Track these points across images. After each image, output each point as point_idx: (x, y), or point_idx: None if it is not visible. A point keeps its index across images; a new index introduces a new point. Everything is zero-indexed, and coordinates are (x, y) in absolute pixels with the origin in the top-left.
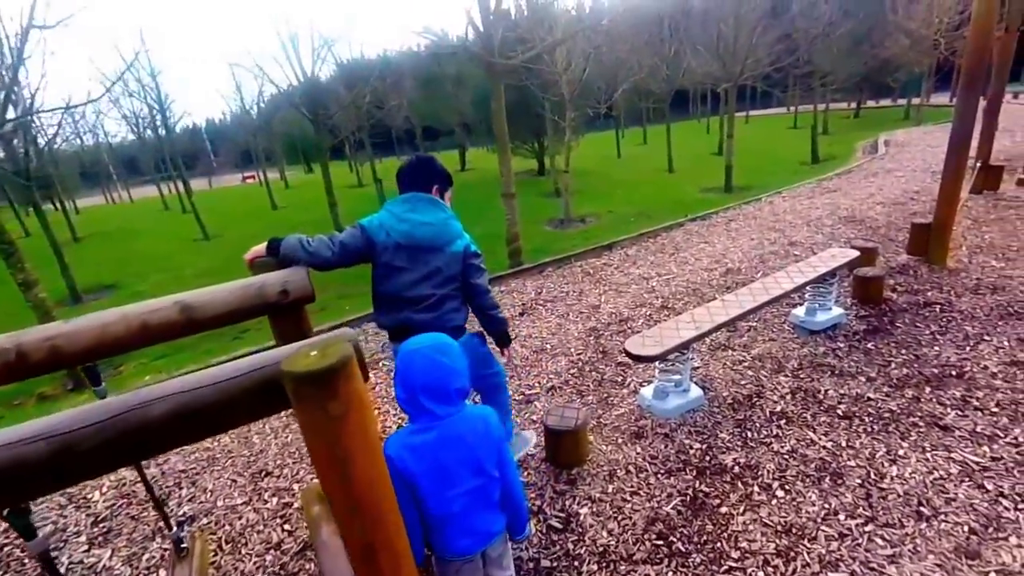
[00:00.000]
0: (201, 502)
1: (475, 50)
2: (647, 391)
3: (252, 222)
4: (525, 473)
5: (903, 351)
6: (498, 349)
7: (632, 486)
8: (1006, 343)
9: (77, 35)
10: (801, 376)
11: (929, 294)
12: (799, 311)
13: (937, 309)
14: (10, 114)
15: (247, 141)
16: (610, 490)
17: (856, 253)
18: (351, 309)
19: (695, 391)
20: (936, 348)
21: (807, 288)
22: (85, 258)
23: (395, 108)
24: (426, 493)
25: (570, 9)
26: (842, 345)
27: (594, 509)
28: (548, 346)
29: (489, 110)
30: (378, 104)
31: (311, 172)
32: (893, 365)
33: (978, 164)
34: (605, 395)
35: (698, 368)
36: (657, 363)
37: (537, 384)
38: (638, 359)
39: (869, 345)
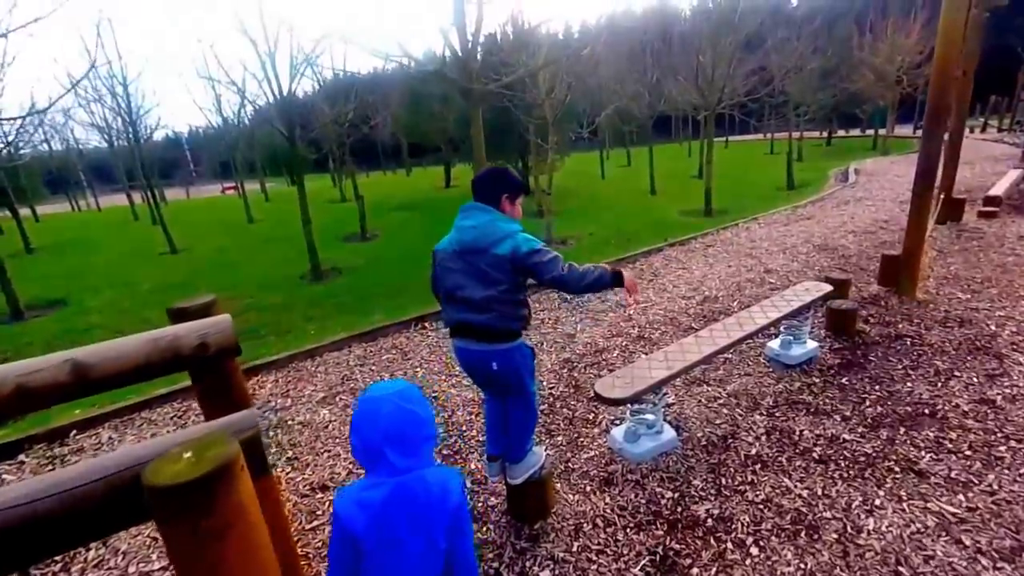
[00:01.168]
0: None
1: (451, 75)
2: (618, 432)
3: (224, 235)
4: (483, 529)
5: (877, 387)
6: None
7: (599, 543)
8: (975, 379)
9: (45, 35)
10: (776, 415)
11: (900, 326)
12: (774, 344)
13: (908, 342)
14: None
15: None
16: (575, 548)
17: (829, 288)
18: (316, 333)
19: (668, 432)
20: (909, 384)
21: (782, 321)
22: (36, 271)
23: (381, 124)
24: (368, 557)
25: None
26: (817, 380)
27: (557, 572)
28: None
29: (486, 129)
30: (363, 119)
31: (295, 184)
32: (867, 403)
33: (941, 196)
34: (575, 435)
35: (672, 405)
36: (628, 405)
37: None
38: (608, 402)
39: (844, 380)
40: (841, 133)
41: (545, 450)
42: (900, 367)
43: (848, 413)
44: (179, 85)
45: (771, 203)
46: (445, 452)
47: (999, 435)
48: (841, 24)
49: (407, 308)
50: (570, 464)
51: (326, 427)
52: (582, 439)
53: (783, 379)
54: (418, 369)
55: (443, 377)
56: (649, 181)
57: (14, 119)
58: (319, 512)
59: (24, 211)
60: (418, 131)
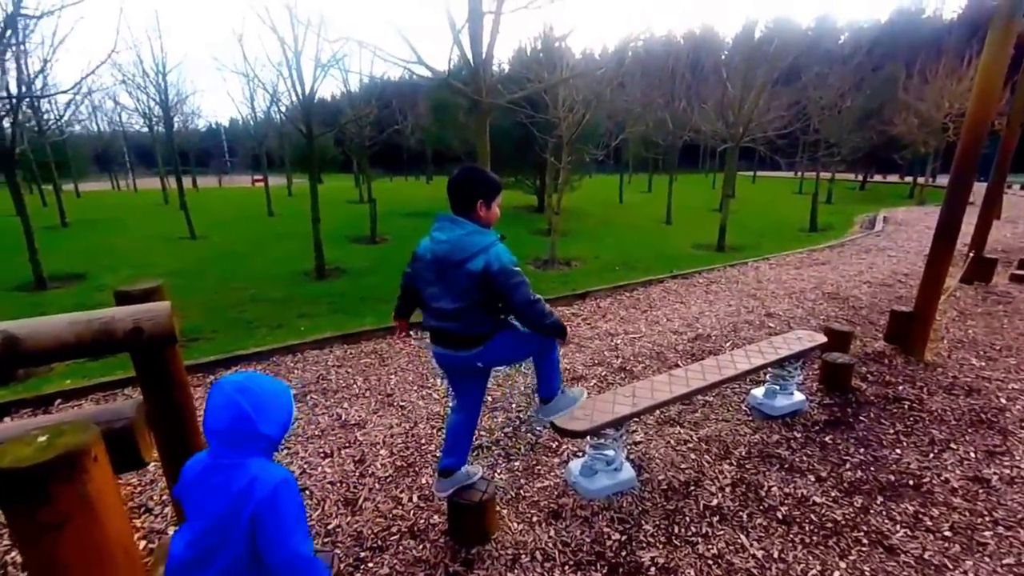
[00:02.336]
0: None
1: (460, 86)
2: (575, 465)
3: (243, 226)
4: (420, 547)
5: (861, 450)
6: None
7: None
8: (972, 454)
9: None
10: (747, 466)
11: (900, 388)
12: (758, 392)
13: (906, 406)
14: None
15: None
16: None
17: (823, 339)
18: (305, 330)
19: (627, 471)
20: (897, 451)
21: (768, 369)
22: (65, 245)
23: (406, 129)
24: (185, 504)
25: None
26: (798, 435)
27: None
28: (489, 398)
29: (499, 141)
30: (388, 123)
31: (321, 183)
32: (848, 465)
33: (971, 254)
34: (534, 462)
35: (639, 444)
36: (588, 438)
37: None
38: (565, 434)
39: (827, 438)
40: (878, 178)
41: (584, 393)
42: (892, 431)
43: (824, 474)
44: (220, 78)
45: (790, 244)
46: (398, 463)
47: (987, 518)
48: (889, 64)
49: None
50: (522, 491)
51: (294, 423)
52: (540, 467)
53: (761, 429)
54: (392, 376)
55: (415, 388)
56: (666, 210)
57: (27, 97)
58: None
59: (68, 186)
60: (442, 139)
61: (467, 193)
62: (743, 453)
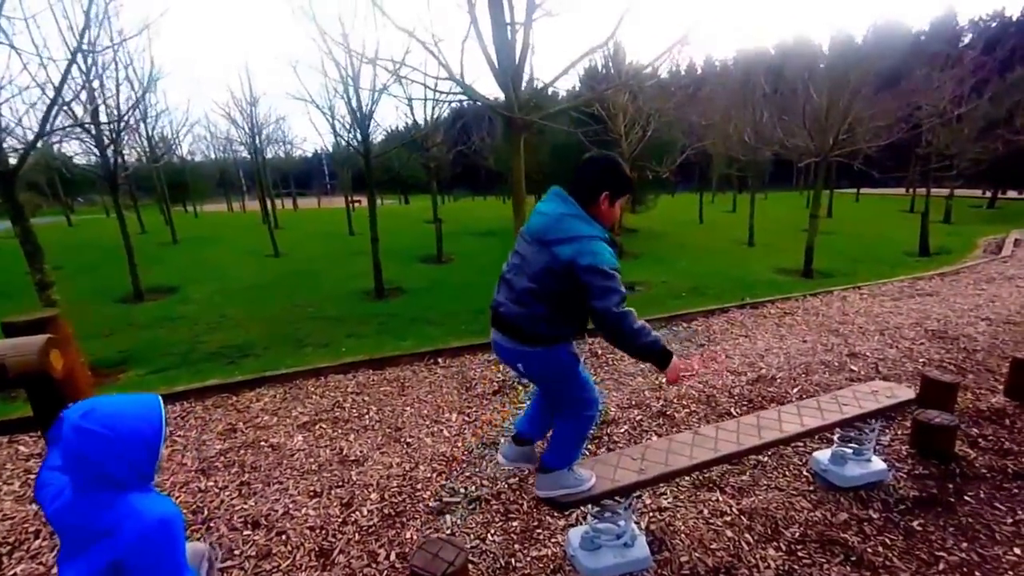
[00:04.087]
0: None
1: (492, 103)
2: (575, 535)
3: (324, 244)
4: None
5: (963, 543)
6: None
7: None
8: None
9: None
10: (799, 554)
11: None
12: (823, 454)
13: None
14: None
15: (349, 168)
16: None
17: (908, 395)
18: (347, 350)
19: (640, 548)
20: (1017, 550)
21: (835, 428)
22: (171, 259)
23: (480, 149)
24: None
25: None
26: (875, 516)
27: None
28: (503, 440)
29: (561, 159)
30: (456, 144)
31: (407, 203)
32: (943, 565)
33: None
34: (535, 523)
35: (664, 511)
36: (590, 507)
37: (463, 490)
38: (549, 504)
39: (915, 524)
40: (1012, 194)
41: (593, 479)
42: (1009, 521)
43: (908, 574)
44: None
45: (892, 270)
46: (387, 511)
47: None
48: (1019, 64)
49: (439, 339)
50: (513, 560)
51: (293, 455)
52: (540, 531)
53: (824, 505)
54: (408, 408)
55: (427, 423)
56: (748, 231)
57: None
58: (237, 552)
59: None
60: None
61: (594, 179)
62: (796, 535)
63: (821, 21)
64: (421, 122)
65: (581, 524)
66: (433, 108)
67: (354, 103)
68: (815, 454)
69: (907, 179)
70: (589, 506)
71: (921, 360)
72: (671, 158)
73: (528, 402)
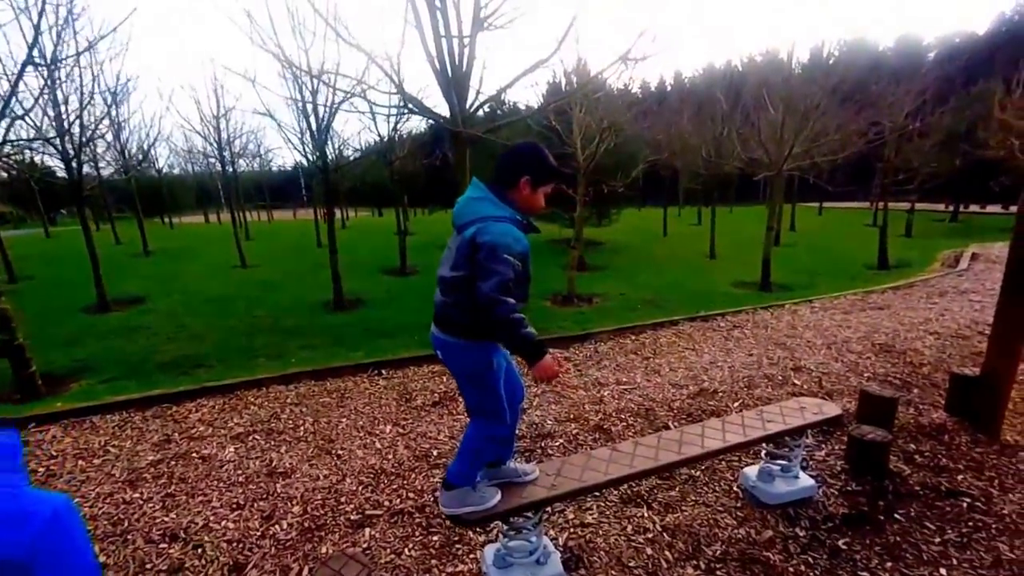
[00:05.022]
0: None
1: (437, 116)
2: (490, 552)
3: (291, 257)
4: None
5: (888, 563)
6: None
7: None
8: None
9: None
10: (718, 572)
11: (960, 478)
12: (751, 471)
13: (964, 504)
14: None
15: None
16: None
17: (834, 411)
18: (297, 361)
19: (553, 566)
20: (942, 570)
21: (762, 443)
22: (139, 271)
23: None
24: None
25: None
26: (801, 534)
27: None
28: (436, 452)
29: None
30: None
31: (381, 215)
32: None
33: None
34: (456, 539)
35: (588, 527)
36: (499, 523)
37: (387, 503)
38: (455, 521)
39: (841, 542)
40: (975, 208)
41: (498, 497)
42: (938, 540)
43: None
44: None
45: (851, 283)
46: (306, 524)
47: None
48: (982, 80)
49: (390, 350)
50: None
51: (222, 467)
52: (460, 546)
53: (749, 522)
54: (343, 419)
55: (361, 435)
56: (710, 244)
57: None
58: (148, 566)
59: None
60: (478, 173)
61: (513, 164)
62: (717, 553)
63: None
64: (385, 136)
65: (490, 545)
66: (396, 122)
67: (312, 119)
68: (744, 470)
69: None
70: (499, 523)
71: (866, 374)
72: (627, 172)
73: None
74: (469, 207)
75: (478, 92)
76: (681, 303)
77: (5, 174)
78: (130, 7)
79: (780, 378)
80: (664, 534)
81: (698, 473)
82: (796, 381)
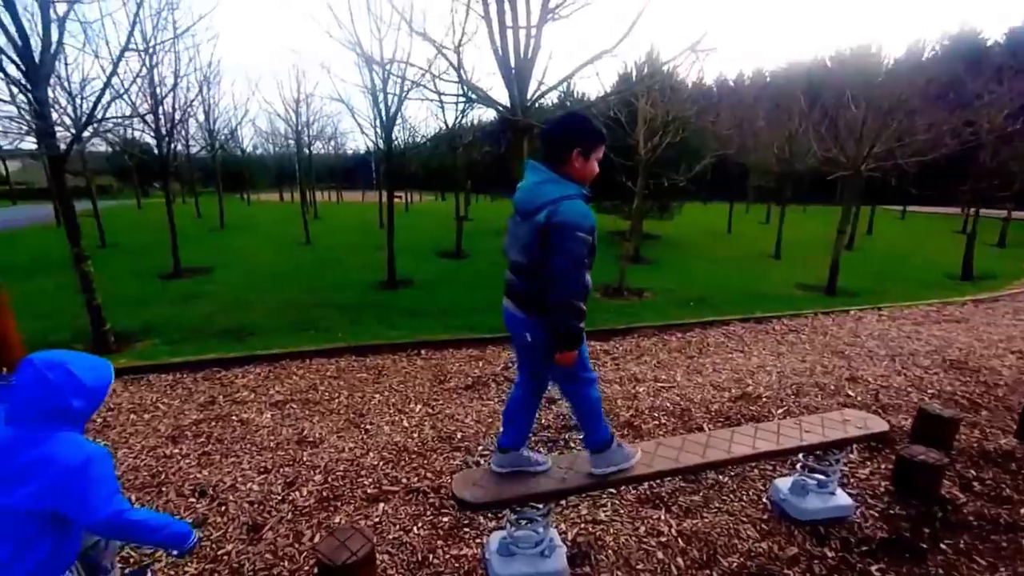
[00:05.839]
0: None
1: (497, 104)
2: (494, 540)
3: (353, 235)
4: None
5: None
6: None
7: None
8: None
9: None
10: None
11: (1022, 512)
12: (783, 483)
13: (1022, 540)
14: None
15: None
16: None
17: (882, 427)
18: (343, 336)
19: (556, 560)
20: None
21: (796, 454)
22: (213, 242)
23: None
24: None
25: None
26: (830, 555)
27: None
28: (459, 435)
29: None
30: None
31: (444, 200)
32: None
33: None
34: (466, 522)
35: (600, 524)
36: (508, 511)
37: (405, 480)
38: (461, 505)
39: (874, 568)
40: None
41: (639, 455)
42: None
43: None
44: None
45: (926, 293)
46: (325, 494)
47: None
48: None
49: (431, 330)
50: (432, 557)
51: (258, 431)
52: (469, 529)
53: (773, 536)
54: (376, 395)
55: (391, 412)
56: (775, 244)
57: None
58: (176, 517)
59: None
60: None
61: (561, 139)
62: (733, 565)
63: (890, 31)
64: (450, 123)
65: (496, 532)
66: (463, 110)
67: (382, 107)
68: (776, 481)
69: (962, 198)
70: (508, 511)
71: (930, 391)
72: (690, 167)
73: (505, 409)
74: (536, 191)
75: (540, 83)
76: (735, 303)
77: (108, 148)
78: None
79: (832, 388)
80: (679, 539)
81: (726, 479)
82: (850, 392)
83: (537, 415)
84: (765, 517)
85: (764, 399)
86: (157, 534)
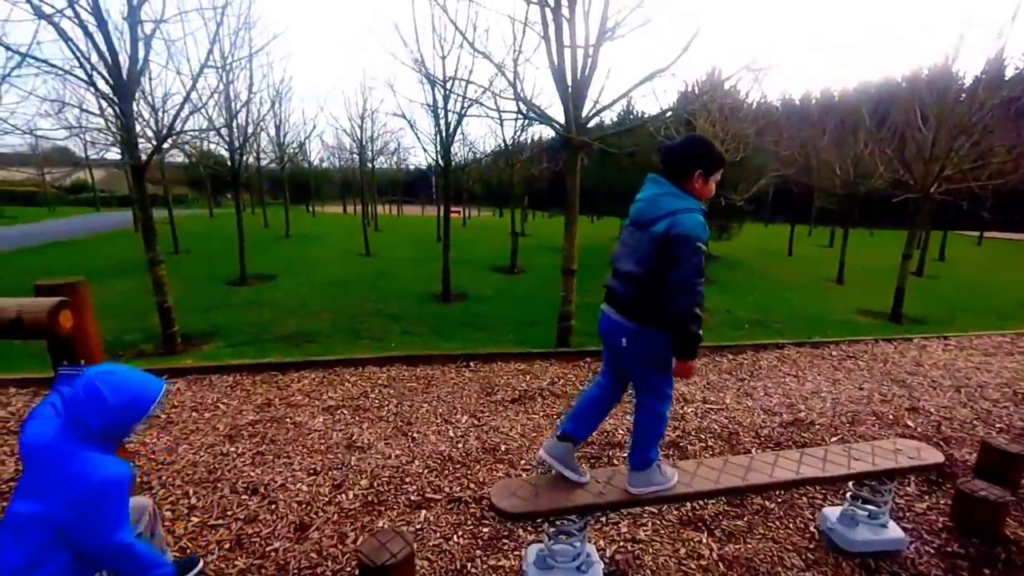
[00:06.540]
0: None
1: (552, 124)
2: (532, 552)
3: (411, 248)
4: None
5: None
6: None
7: None
8: None
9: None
10: None
11: None
12: (832, 512)
13: None
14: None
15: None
16: None
17: (937, 458)
18: (397, 346)
19: (594, 575)
20: None
21: (847, 482)
22: (278, 251)
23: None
24: None
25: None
26: None
27: None
28: (503, 447)
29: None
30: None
31: (501, 216)
32: None
33: None
34: (505, 533)
35: (639, 543)
36: (546, 524)
37: (448, 489)
38: (499, 513)
39: None
40: None
41: (676, 478)
42: None
43: None
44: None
45: (999, 322)
46: (370, 498)
47: None
48: None
49: (482, 343)
50: (469, 566)
51: (310, 434)
52: (508, 541)
53: (819, 567)
54: (425, 404)
55: (438, 421)
56: (838, 268)
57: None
58: (229, 513)
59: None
60: (604, 179)
61: (685, 159)
62: None
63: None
64: (508, 140)
65: (530, 546)
66: (522, 127)
67: (442, 124)
68: (824, 510)
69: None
70: (546, 524)
71: (999, 425)
72: (747, 186)
73: (578, 400)
74: (657, 203)
75: (595, 101)
76: (792, 327)
77: (185, 159)
78: (299, 22)
79: (891, 417)
80: (720, 563)
81: (772, 505)
82: (909, 423)
83: None
84: (812, 547)
85: (817, 426)
86: (146, 571)
